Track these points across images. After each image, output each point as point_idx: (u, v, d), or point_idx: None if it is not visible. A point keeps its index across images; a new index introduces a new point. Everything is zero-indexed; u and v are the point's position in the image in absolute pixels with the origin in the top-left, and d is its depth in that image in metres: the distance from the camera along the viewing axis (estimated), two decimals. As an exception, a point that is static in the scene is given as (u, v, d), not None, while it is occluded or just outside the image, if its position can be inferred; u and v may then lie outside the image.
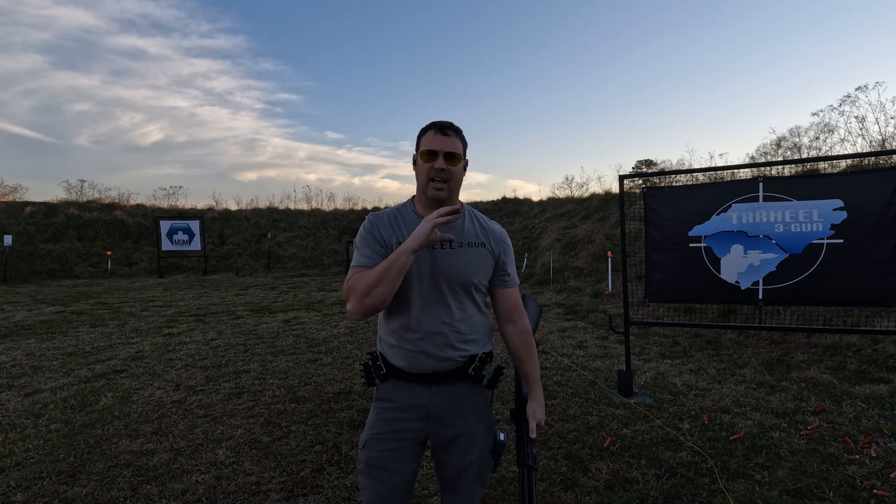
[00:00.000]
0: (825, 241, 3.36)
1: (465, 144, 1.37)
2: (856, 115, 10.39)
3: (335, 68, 49.55)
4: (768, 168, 5.35)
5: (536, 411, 1.38)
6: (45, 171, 37.51)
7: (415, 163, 1.37)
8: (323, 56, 49.57)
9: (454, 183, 1.33)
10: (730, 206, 3.62)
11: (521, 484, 1.28)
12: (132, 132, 38.91)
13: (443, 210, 1.20)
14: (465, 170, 1.39)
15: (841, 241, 3.31)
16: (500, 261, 1.41)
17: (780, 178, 3.66)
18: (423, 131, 1.35)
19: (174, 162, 39.87)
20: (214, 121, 40.99)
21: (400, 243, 1.29)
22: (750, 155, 13.74)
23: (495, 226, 1.45)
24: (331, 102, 48.71)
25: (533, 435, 1.35)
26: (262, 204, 21.19)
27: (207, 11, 41.25)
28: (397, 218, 1.36)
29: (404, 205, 1.41)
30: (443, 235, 1.20)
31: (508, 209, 18.25)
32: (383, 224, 1.34)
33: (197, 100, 40.59)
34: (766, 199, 3.52)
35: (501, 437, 1.40)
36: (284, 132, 43.64)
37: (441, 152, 1.29)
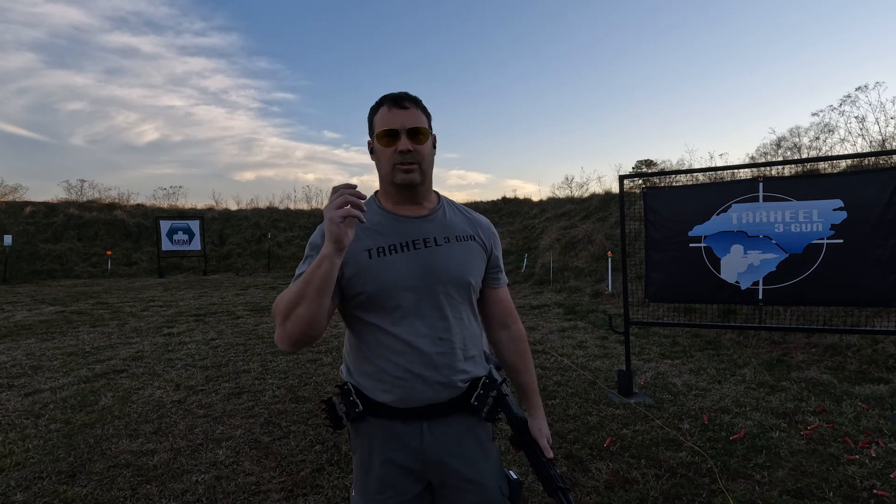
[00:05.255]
0: (825, 241, 3.36)
1: (428, 116, 1.13)
2: (856, 115, 10.40)
3: (331, 67, 49.44)
4: (768, 168, 5.34)
5: (542, 428, 1.21)
6: (42, 171, 37.47)
7: (371, 150, 1.14)
8: (319, 55, 49.44)
9: (425, 165, 1.10)
10: (730, 206, 3.62)
11: None
12: (128, 131, 38.84)
13: (345, 190, 0.90)
14: (434, 147, 1.16)
15: (841, 241, 3.31)
16: (492, 256, 1.22)
17: (780, 179, 3.67)
18: (375, 109, 1.11)
19: (171, 162, 39.82)
20: (211, 120, 40.92)
21: (369, 249, 1.07)
22: (750, 155, 13.74)
23: (480, 217, 1.25)
24: (327, 102, 48.62)
25: (549, 454, 1.16)
26: (262, 204, 21.20)
27: (200, 9, 41.11)
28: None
29: (367, 202, 1.11)
30: (350, 213, 0.89)
31: (508, 209, 18.25)
32: None
33: (192, 99, 40.48)
34: (766, 199, 3.52)
35: (514, 475, 1.20)
36: (282, 132, 43.58)
37: (402, 130, 1.05)
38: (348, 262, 1.06)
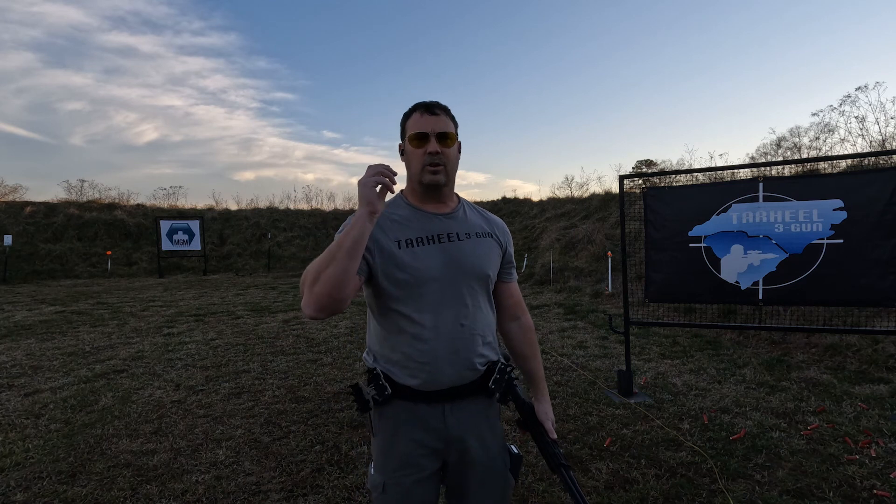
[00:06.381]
0: (825, 242, 3.36)
1: (456, 124, 1.25)
2: (856, 115, 10.40)
3: (329, 67, 49.35)
4: (768, 168, 5.35)
5: (548, 411, 1.31)
6: (41, 171, 37.47)
7: (402, 151, 1.25)
8: (317, 54, 49.38)
9: (451, 166, 1.21)
10: (730, 206, 3.62)
11: (566, 486, 1.18)
12: (127, 131, 38.79)
13: (379, 165, 1.04)
14: (459, 152, 1.26)
15: (841, 241, 3.31)
16: (506, 252, 1.34)
17: (780, 179, 3.67)
18: (408, 114, 1.22)
19: (170, 161, 39.75)
20: (210, 120, 40.86)
21: (399, 241, 1.17)
22: (750, 155, 13.72)
23: (496, 217, 1.39)
24: (326, 101, 48.54)
25: (553, 436, 1.27)
26: (262, 204, 21.19)
27: (199, 8, 41.00)
28: (386, 212, 1.23)
29: (394, 198, 1.28)
30: (382, 181, 1.03)
31: (508, 209, 18.25)
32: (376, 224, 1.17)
33: (191, 98, 40.38)
34: (766, 199, 3.52)
35: (515, 450, 1.31)
36: (281, 132, 43.53)
37: (432, 134, 1.17)
38: (381, 251, 1.16)
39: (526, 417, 1.30)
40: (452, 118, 1.23)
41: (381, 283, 1.16)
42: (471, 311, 1.20)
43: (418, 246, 1.17)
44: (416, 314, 1.15)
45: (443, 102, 1.23)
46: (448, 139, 1.18)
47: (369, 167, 1.04)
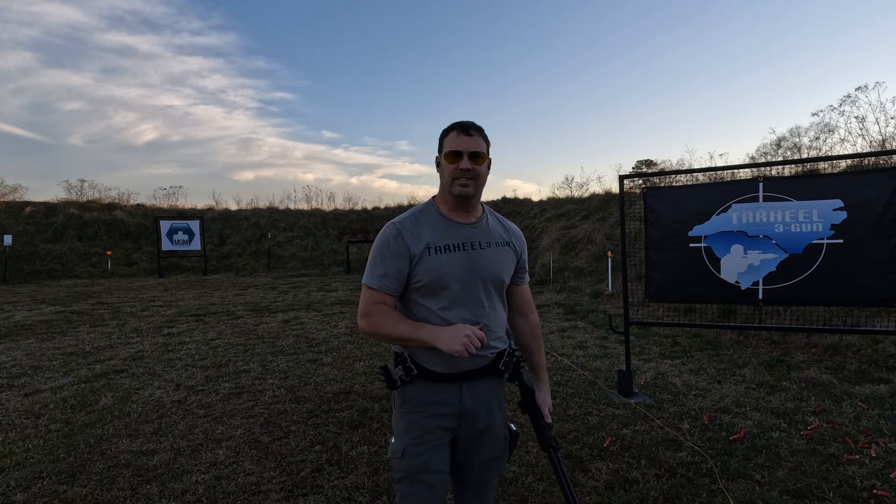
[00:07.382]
0: (825, 242, 3.36)
1: (488, 143, 1.39)
2: (856, 115, 10.39)
3: (329, 66, 49.31)
4: (768, 168, 5.34)
5: (546, 398, 1.48)
6: (41, 171, 37.47)
7: (438, 164, 1.40)
8: (316, 54, 49.34)
9: (479, 182, 1.36)
10: (730, 206, 3.62)
11: (554, 464, 1.36)
12: (126, 131, 38.85)
13: (484, 342, 1.23)
14: (489, 168, 1.41)
15: (841, 241, 3.31)
16: (520, 258, 1.49)
17: (780, 179, 3.67)
18: (446, 132, 1.37)
19: (170, 161, 39.80)
20: (209, 120, 40.89)
21: (429, 247, 1.31)
22: (750, 155, 13.72)
23: (513, 225, 1.53)
24: (326, 101, 48.54)
25: (548, 420, 1.44)
26: (262, 204, 21.21)
27: (197, 8, 41.08)
28: (419, 220, 1.36)
29: (426, 205, 1.42)
30: (465, 353, 1.20)
31: (508, 209, 18.23)
32: (407, 231, 1.33)
33: (191, 98, 40.40)
34: (766, 199, 3.52)
35: (513, 427, 1.48)
36: (280, 131, 43.56)
37: (466, 152, 1.31)
38: (412, 258, 1.31)
39: (527, 400, 1.47)
40: (485, 138, 1.37)
41: (411, 282, 1.33)
42: (487, 311, 1.36)
43: (445, 252, 1.32)
44: (440, 311, 1.32)
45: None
46: (479, 158, 1.33)
47: (473, 334, 1.21)
